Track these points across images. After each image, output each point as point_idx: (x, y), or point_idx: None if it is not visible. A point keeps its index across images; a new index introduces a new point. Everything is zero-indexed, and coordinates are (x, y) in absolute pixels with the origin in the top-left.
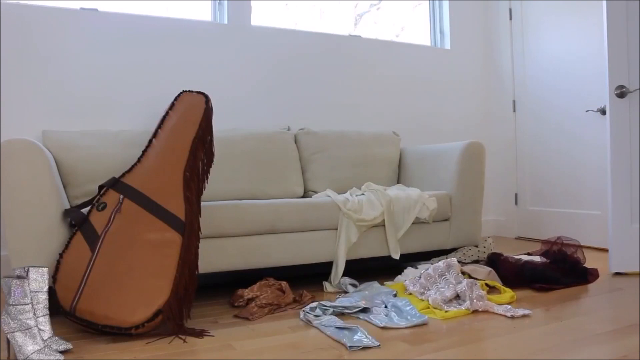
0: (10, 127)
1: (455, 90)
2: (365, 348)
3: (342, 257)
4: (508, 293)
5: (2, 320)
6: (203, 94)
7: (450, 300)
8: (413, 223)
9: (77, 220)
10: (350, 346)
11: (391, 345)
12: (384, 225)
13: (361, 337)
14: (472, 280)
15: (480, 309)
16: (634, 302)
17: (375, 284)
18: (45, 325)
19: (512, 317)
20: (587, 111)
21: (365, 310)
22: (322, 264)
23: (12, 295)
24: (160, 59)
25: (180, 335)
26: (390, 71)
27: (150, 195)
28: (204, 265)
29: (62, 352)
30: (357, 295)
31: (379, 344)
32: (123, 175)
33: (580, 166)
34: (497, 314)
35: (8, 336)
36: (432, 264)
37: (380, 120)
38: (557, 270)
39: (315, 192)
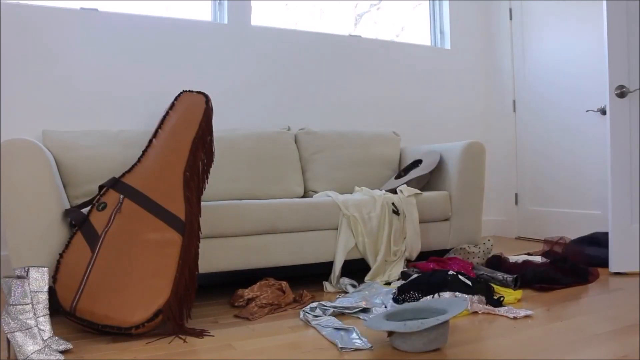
0: (10, 127)
1: (455, 90)
2: (357, 350)
3: (340, 258)
4: (512, 295)
5: (2, 320)
6: (203, 93)
7: None
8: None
9: (77, 220)
10: (341, 347)
11: (385, 347)
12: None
13: (355, 338)
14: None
15: (480, 311)
16: (634, 302)
17: (375, 284)
18: (45, 325)
19: (515, 318)
20: (587, 111)
21: (365, 310)
22: (322, 264)
23: (12, 295)
24: (161, 59)
25: (180, 335)
26: (390, 71)
27: (150, 195)
28: (204, 265)
29: (62, 352)
30: (357, 296)
31: (370, 345)
32: (123, 175)
33: (581, 166)
34: (498, 315)
35: (8, 336)
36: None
37: (380, 120)
38: (558, 271)
39: (316, 192)
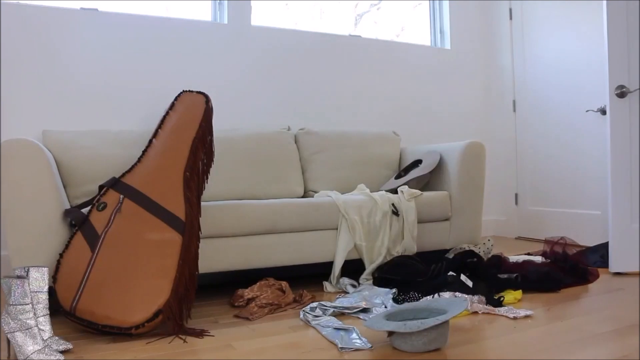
0: (10, 127)
1: (455, 90)
2: (357, 350)
3: (340, 258)
4: (512, 295)
5: (2, 320)
6: (203, 93)
7: None
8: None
9: (77, 220)
10: (341, 347)
11: (385, 347)
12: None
13: (355, 338)
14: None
15: (480, 311)
16: (634, 302)
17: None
18: (45, 325)
19: (515, 319)
20: (587, 111)
21: (365, 310)
22: (322, 264)
23: (13, 295)
24: (160, 59)
25: (180, 335)
26: (390, 71)
27: (150, 195)
28: (204, 265)
29: (62, 352)
30: (357, 296)
31: (370, 345)
32: (123, 175)
33: (581, 166)
34: (498, 315)
35: (8, 336)
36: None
37: (380, 120)
38: (559, 270)
39: (316, 192)
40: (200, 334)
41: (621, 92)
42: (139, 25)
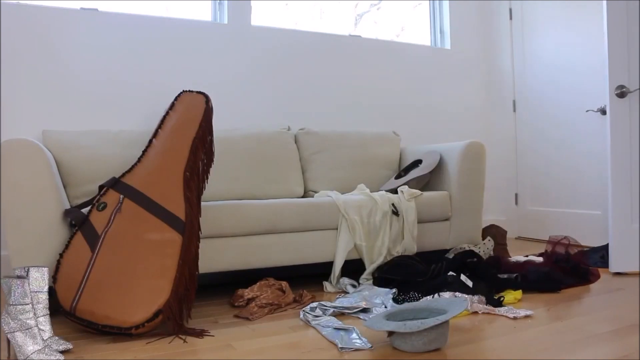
0: (10, 127)
1: (455, 90)
2: (357, 350)
3: (340, 258)
4: (512, 295)
5: (2, 320)
6: (203, 93)
7: None
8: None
9: (77, 220)
10: (341, 347)
11: (385, 347)
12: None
13: (355, 338)
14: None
15: (480, 311)
16: (634, 302)
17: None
18: (45, 325)
19: (515, 318)
20: (587, 111)
21: (365, 310)
22: (322, 264)
23: (13, 295)
24: (160, 59)
25: (180, 335)
26: (390, 71)
27: (150, 195)
28: (204, 265)
29: (62, 352)
30: (357, 296)
31: (370, 345)
32: (123, 175)
33: (581, 166)
34: (498, 315)
35: (8, 336)
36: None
37: (380, 120)
38: (560, 270)
39: (316, 192)
40: (200, 334)
41: (621, 92)
42: (139, 25)
